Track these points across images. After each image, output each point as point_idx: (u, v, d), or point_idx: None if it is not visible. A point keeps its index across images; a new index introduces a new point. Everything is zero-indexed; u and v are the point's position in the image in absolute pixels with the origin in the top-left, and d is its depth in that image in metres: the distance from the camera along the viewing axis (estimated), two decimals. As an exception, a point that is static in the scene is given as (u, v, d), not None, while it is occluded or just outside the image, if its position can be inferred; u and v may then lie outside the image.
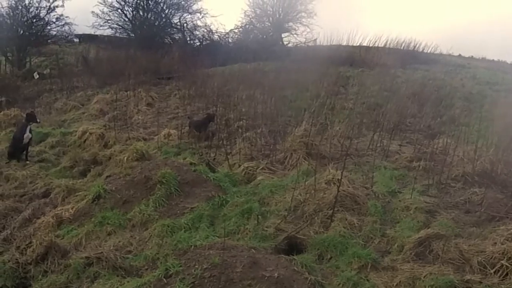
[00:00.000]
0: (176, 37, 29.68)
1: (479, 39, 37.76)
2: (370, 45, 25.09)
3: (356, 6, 40.95)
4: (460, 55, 29.92)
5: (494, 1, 46.16)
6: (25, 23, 26.73)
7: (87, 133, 12.04)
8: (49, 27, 27.63)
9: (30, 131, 11.13)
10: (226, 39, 29.56)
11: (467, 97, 15.94)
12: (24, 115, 11.94)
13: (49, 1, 26.45)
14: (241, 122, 11.92)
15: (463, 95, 16.28)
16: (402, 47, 25.04)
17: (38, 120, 11.80)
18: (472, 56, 30.36)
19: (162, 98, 16.51)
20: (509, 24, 43.04)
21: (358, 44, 24.95)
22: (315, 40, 28.62)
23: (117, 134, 12.01)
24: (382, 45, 24.98)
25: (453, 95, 15.87)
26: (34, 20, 27.06)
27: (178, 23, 29.54)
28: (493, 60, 29.80)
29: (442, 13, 44.15)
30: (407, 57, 23.00)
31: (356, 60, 21.39)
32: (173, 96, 16.67)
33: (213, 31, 29.18)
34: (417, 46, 25.37)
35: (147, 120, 13.90)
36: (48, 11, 26.81)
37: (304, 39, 30.45)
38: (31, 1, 26.40)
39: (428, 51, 26.00)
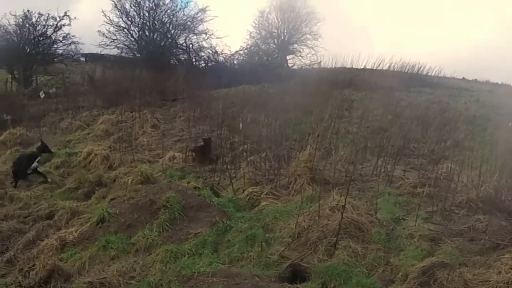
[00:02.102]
0: (182, 58, 29.80)
1: (483, 62, 37.81)
2: (375, 68, 25.29)
3: (361, 29, 41.16)
4: (464, 78, 30.08)
5: (497, 24, 46.40)
6: (32, 41, 26.88)
7: (92, 154, 12.07)
8: (55, 46, 27.74)
9: (38, 161, 11.18)
10: (231, 60, 29.75)
11: (471, 121, 15.99)
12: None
13: (56, 20, 26.60)
14: (246, 145, 11.96)
15: (467, 118, 16.33)
16: (406, 70, 25.22)
17: (51, 150, 11.98)
18: (476, 79, 30.51)
19: (167, 120, 16.59)
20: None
21: (362, 67, 25.16)
22: (319, 62, 28.83)
23: (122, 155, 12.06)
24: (386, 68, 25.17)
25: (457, 118, 15.92)
26: (41, 39, 27.17)
27: (184, 44, 29.63)
28: (497, 83, 30.01)
29: (446, 36, 44.35)
30: (411, 80, 23.16)
31: (360, 83, 21.52)
32: (178, 118, 16.74)
33: (219, 53, 29.25)
34: (421, 69, 25.59)
35: (152, 142, 13.94)
36: (55, 30, 26.96)
37: (309, 61, 30.71)
38: (38, 20, 26.56)
39: (432, 74, 26.20)
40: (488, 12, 47.13)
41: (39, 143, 11.62)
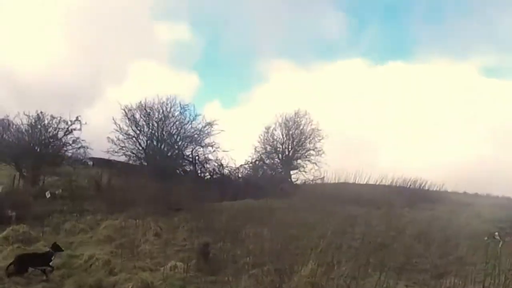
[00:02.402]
0: (188, 169, 30.41)
1: (483, 175, 38.46)
2: (377, 183, 25.70)
3: (364, 145, 42.39)
4: (465, 192, 30.48)
5: (496, 139, 47.87)
6: (43, 142, 27.45)
7: (94, 258, 12.10)
8: (65, 148, 28.25)
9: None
10: (236, 173, 30.30)
11: (473, 236, 15.95)
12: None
13: (67, 124, 27.26)
14: (248, 258, 11.92)
15: (469, 234, 16.30)
16: (408, 185, 25.64)
17: (63, 249, 12.24)
18: (477, 193, 30.87)
19: (170, 229, 16.60)
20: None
21: (365, 182, 25.59)
22: (323, 178, 29.45)
23: (123, 262, 12.04)
24: (389, 183, 25.55)
25: (459, 234, 15.92)
26: (52, 140, 27.75)
27: (190, 156, 30.38)
28: (497, 196, 30.36)
29: (447, 151, 45.49)
30: (413, 195, 23.46)
31: (363, 199, 21.75)
32: (181, 228, 16.76)
33: (224, 165, 29.89)
34: (423, 184, 26.00)
35: (154, 250, 13.90)
36: (66, 133, 27.55)
37: (312, 177, 31.31)
38: (50, 122, 27.28)
39: (434, 189, 26.48)
40: (487, 127, 48.60)
41: (53, 243, 12.11)
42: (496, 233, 15.37)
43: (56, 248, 11.82)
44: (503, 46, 72.56)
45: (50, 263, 11.36)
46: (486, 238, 15.24)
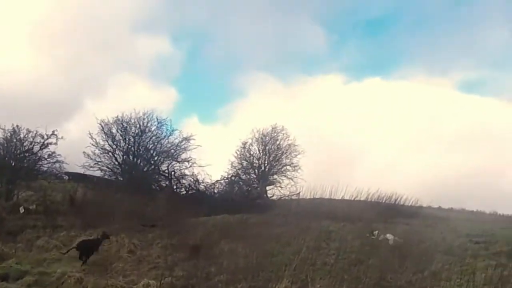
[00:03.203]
0: (163, 184, 30.19)
1: (459, 190, 39.20)
2: (353, 199, 25.83)
3: (341, 161, 42.83)
4: (440, 207, 30.96)
5: (473, 154, 48.97)
6: (18, 156, 27.18)
7: (66, 276, 11.92)
8: (40, 163, 27.99)
9: None
10: (212, 189, 30.09)
11: (447, 251, 16.09)
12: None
13: (43, 138, 27.01)
14: (222, 276, 11.86)
15: (444, 248, 16.43)
16: (383, 201, 25.81)
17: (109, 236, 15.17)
18: (451, 208, 31.34)
19: (144, 246, 16.43)
20: (486, 176, 45.17)
21: (341, 198, 25.70)
22: (298, 193, 29.49)
23: (96, 279, 11.87)
24: (364, 199, 25.73)
25: (434, 249, 16.04)
26: (27, 154, 27.47)
27: (166, 171, 30.20)
28: (472, 210, 30.99)
29: (423, 166, 46.22)
30: (388, 210, 23.60)
31: (338, 214, 21.83)
32: (155, 245, 16.61)
33: (200, 181, 29.72)
34: (398, 199, 26.20)
35: (128, 267, 13.73)
36: (41, 147, 27.26)
37: (288, 192, 31.35)
38: (26, 136, 27.03)
39: (409, 204, 26.74)
40: (464, 143, 49.61)
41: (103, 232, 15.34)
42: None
43: (104, 236, 14.85)
44: (482, 61, 74.43)
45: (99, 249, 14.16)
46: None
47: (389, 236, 16.99)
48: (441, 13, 73.57)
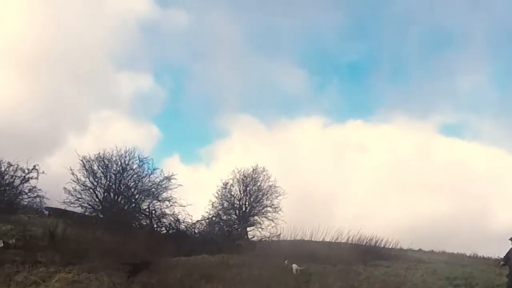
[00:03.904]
0: (144, 223, 29.84)
1: (438, 232, 39.41)
2: (333, 241, 25.83)
3: (321, 202, 42.85)
4: (420, 249, 31.02)
5: (453, 197, 49.66)
6: (-2, 189, 26.92)
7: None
8: (21, 197, 27.84)
9: None
10: (193, 229, 29.87)
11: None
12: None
13: (24, 172, 26.94)
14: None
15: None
16: (364, 243, 25.85)
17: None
18: (432, 250, 31.41)
19: (124, 284, 16.21)
20: (467, 218, 45.66)
21: (321, 240, 25.69)
22: (279, 234, 29.42)
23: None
24: (345, 241, 25.75)
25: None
26: (7, 188, 27.28)
27: (147, 209, 29.90)
28: (452, 253, 31.01)
29: (404, 208, 46.57)
30: (368, 252, 23.70)
31: (319, 256, 21.82)
32: (135, 284, 16.39)
33: (180, 220, 29.46)
34: (378, 242, 26.24)
35: (107, 308, 13.52)
36: (22, 181, 27.16)
37: (269, 233, 31.10)
38: (7, 169, 26.91)
39: (390, 246, 26.79)
40: (444, 186, 50.21)
41: None
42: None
43: None
44: (461, 105, 76.23)
45: None
46: None
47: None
48: (420, 57, 75.75)
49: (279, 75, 73.96)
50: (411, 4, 77.06)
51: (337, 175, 51.87)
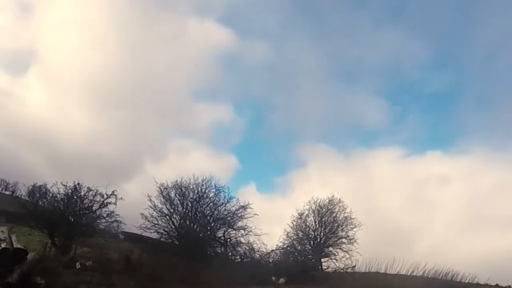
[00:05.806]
0: (219, 251, 30.08)
1: None
2: (408, 274, 24.90)
3: (397, 235, 41.63)
4: (497, 284, 29.18)
5: None
6: (77, 212, 27.95)
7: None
8: (99, 221, 28.64)
9: None
10: (267, 258, 29.73)
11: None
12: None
13: (103, 197, 27.83)
14: None
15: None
16: (439, 277, 24.83)
17: None
18: (509, 286, 29.54)
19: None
20: None
21: (396, 272, 24.84)
22: (354, 266, 28.71)
23: None
24: (420, 274, 24.77)
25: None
26: (86, 212, 28.22)
27: (222, 237, 30.06)
28: None
29: (483, 242, 44.31)
30: (444, 287, 22.65)
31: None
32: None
33: (255, 249, 29.42)
34: (454, 276, 25.22)
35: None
36: (101, 206, 28.03)
37: (343, 265, 30.43)
38: (87, 194, 27.90)
39: (466, 281, 25.61)
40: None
41: None
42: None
43: None
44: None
45: None
46: None
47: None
48: (503, 88, 72.72)
49: (359, 105, 73.71)
50: (500, 32, 74.51)
51: (415, 207, 50.33)
